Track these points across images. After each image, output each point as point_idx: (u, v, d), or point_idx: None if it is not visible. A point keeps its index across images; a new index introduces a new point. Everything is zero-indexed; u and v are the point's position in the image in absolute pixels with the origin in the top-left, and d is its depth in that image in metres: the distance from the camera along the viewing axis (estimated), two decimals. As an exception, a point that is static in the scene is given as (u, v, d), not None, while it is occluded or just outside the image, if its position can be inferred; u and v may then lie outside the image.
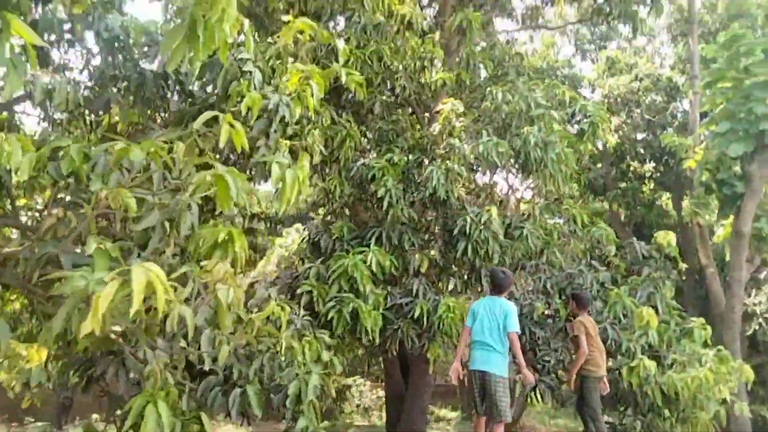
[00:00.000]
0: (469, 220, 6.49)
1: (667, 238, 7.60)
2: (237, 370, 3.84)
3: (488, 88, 7.28)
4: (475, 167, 6.79)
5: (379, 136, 7.61)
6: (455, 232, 6.54)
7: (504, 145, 6.47)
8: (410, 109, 8.43)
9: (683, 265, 8.30)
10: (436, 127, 7.13)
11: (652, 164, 19.41)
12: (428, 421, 8.48)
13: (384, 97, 7.69)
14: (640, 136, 18.35)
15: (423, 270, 6.81)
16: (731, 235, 11.01)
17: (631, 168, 19.47)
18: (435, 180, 6.31)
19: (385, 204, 6.44)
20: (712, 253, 12.44)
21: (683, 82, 16.96)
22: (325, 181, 6.84)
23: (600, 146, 19.88)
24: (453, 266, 7.10)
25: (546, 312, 7.64)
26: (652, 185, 19.25)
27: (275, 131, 3.98)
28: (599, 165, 19.55)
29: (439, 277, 7.15)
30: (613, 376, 7.33)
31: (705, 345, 7.47)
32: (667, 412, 7.26)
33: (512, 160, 6.78)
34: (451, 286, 7.23)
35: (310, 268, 5.92)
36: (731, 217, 11.27)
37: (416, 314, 6.32)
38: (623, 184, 18.82)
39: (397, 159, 6.92)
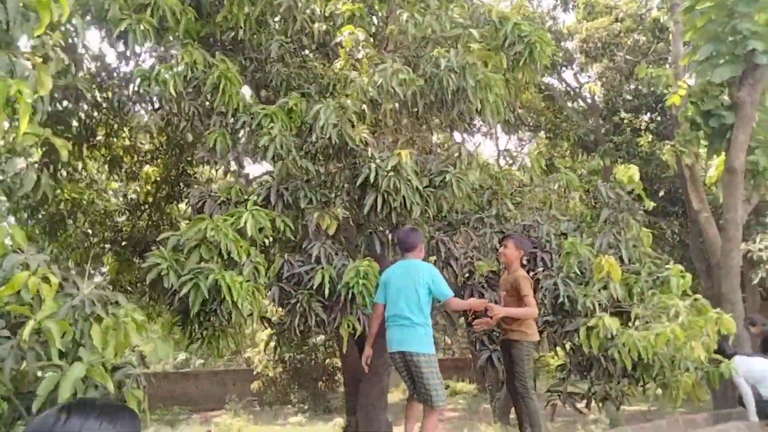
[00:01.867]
0: (374, 166, 5.38)
1: (628, 173, 6.38)
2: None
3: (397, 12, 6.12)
4: (379, 103, 5.63)
5: (281, 82, 6.50)
6: (359, 182, 5.43)
7: (406, 72, 5.31)
8: (324, 52, 7.29)
9: (650, 203, 7.02)
10: (337, 63, 6.01)
11: (648, 115, 18.10)
12: (386, 405, 7.44)
13: (284, 38, 6.57)
14: (630, 86, 17.00)
15: (331, 231, 5.71)
16: (723, 172, 9.70)
17: (625, 120, 18.16)
18: (323, 120, 5.18)
19: (270, 155, 5.35)
20: (707, 197, 11.12)
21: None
22: (204, 136, 5.75)
23: (588, 99, 18.69)
24: (372, 225, 6.00)
25: (495, 270, 6.50)
26: (650, 137, 17.93)
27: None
28: (590, 121, 18.31)
29: (355, 239, 6.04)
30: (572, 341, 6.22)
31: (684, 296, 6.29)
32: (642, 377, 6.13)
33: (424, 92, 5.61)
34: (377, 249, 6.09)
35: (167, 238, 4.85)
36: (723, 154, 9.96)
37: (316, 283, 5.25)
38: (617, 139, 17.52)
39: (292, 104, 5.82)
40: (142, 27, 5.03)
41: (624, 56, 14.36)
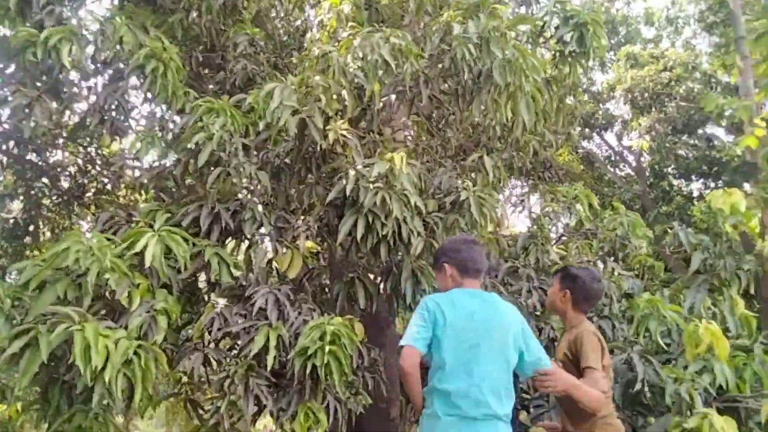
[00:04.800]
0: (353, 174, 3.63)
1: (729, 200, 4.45)
2: None
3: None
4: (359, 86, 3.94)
5: (247, 81, 4.96)
6: (330, 197, 3.66)
7: (402, 36, 3.66)
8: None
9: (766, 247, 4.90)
10: (315, 47, 4.42)
11: (701, 181, 16.21)
12: None
13: (257, 30, 5.12)
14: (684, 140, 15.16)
15: (291, 274, 3.90)
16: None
17: (674, 187, 16.27)
18: (274, 104, 3.51)
19: (203, 158, 3.67)
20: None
21: (724, 69, 13.88)
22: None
23: (633, 163, 16.88)
24: (356, 267, 4.15)
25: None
26: (703, 206, 15.87)
27: None
28: (635, 186, 16.46)
29: (331, 286, 4.20)
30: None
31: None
32: None
33: (430, 76, 3.93)
34: (362, 303, 4.18)
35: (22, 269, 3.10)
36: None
37: (255, 349, 3.37)
38: (665, 207, 15.60)
39: (252, 99, 4.21)
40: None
41: (678, 104, 12.62)
